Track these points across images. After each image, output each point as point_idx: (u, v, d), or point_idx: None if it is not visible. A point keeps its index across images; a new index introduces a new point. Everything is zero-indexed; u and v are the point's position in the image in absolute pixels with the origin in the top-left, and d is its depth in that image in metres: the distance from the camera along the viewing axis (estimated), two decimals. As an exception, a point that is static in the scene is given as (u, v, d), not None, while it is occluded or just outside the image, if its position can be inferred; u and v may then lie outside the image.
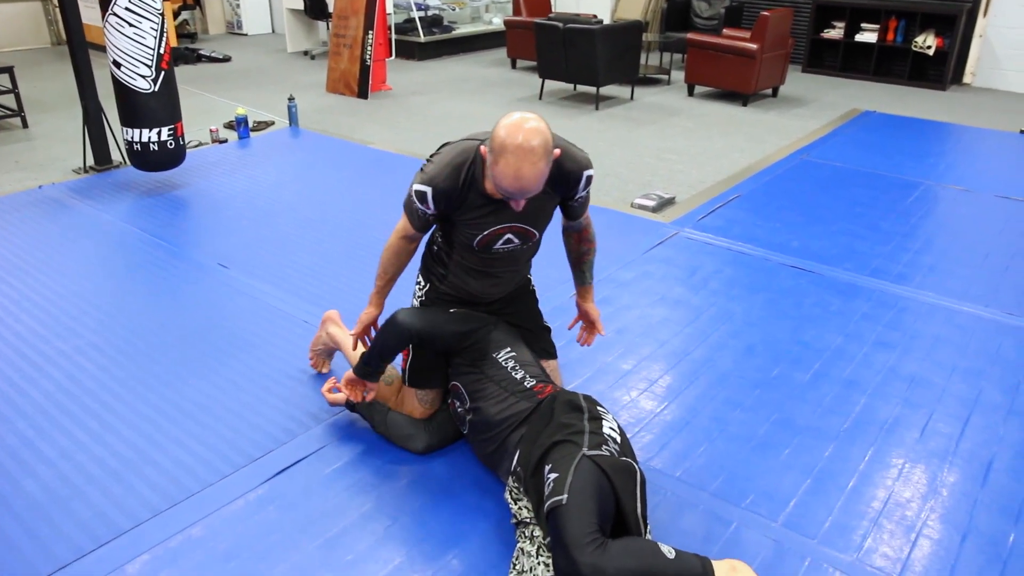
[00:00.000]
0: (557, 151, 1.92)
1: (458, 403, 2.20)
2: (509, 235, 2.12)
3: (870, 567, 1.93)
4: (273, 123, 5.83)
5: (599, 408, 1.94)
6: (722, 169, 5.09)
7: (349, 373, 2.28)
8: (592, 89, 7.05)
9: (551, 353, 2.39)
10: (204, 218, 4.05)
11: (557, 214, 2.22)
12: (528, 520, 1.86)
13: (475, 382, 2.11)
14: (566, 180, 2.07)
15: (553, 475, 1.73)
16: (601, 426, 1.86)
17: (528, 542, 1.82)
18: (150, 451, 2.30)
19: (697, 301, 3.26)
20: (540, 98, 6.99)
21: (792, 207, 4.32)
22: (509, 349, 2.14)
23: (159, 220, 4.00)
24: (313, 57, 8.51)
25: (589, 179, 2.11)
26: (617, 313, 3.14)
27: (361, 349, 2.44)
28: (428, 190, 2.02)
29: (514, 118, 1.85)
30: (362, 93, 6.74)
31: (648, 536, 1.81)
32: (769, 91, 7.25)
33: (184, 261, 3.54)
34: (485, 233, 2.09)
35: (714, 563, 1.76)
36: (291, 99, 5.69)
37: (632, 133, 5.95)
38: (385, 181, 4.64)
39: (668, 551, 1.68)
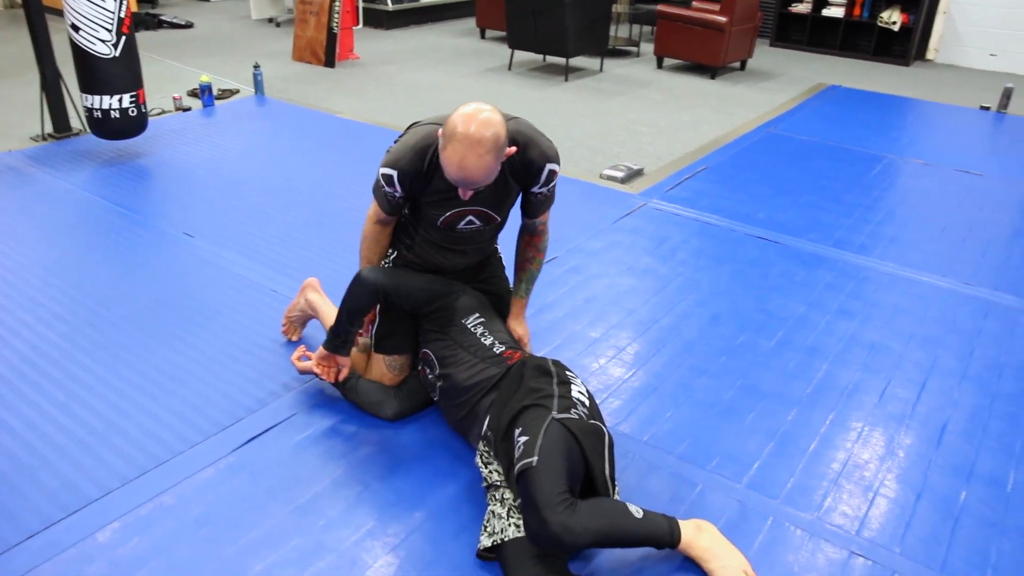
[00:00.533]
0: (512, 148, 1.95)
1: (428, 370, 2.21)
2: (471, 217, 2.15)
3: (829, 525, 2.00)
4: (238, 91, 5.73)
5: (567, 373, 1.97)
6: (690, 141, 5.13)
7: (321, 350, 2.27)
8: (561, 60, 7.02)
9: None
10: (168, 187, 3.99)
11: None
12: (498, 483, 1.89)
13: (444, 348, 2.13)
14: (527, 169, 2.08)
15: (523, 438, 1.75)
16: (570, 390, 1.89)
17: (499, 504, 1.85)
18: (118, 420, 2.28)
19: (664, 271, 3.30)
20: (509, 68, 6.95)
21: (759, 179, 4.37)
22: (478, 315, 2.16)
23: (122, 189, 3.93)
24: (278, 24, 8.34)
25: (552, 174, 2.11)
26: (586, 282, 3.17)
27: None
28: (394, 173, 2.03)
29: (470, 107, 1.86)
30: (329, 62, 6.64)
31: (616, 497, 1.85)
32: (737, 64, 7.29)
33: (148, 230, 3.48)
34: (448, 214, 2.11)
35: (681, 523, 1.81)
36: (256, 67, 5.59)
37: (601, 105, 5.95)
38: (353, 150, 4.60)
39: (636, 511, 1.73)
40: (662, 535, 1.76)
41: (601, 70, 7.05)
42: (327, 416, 2.33)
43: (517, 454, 1.75)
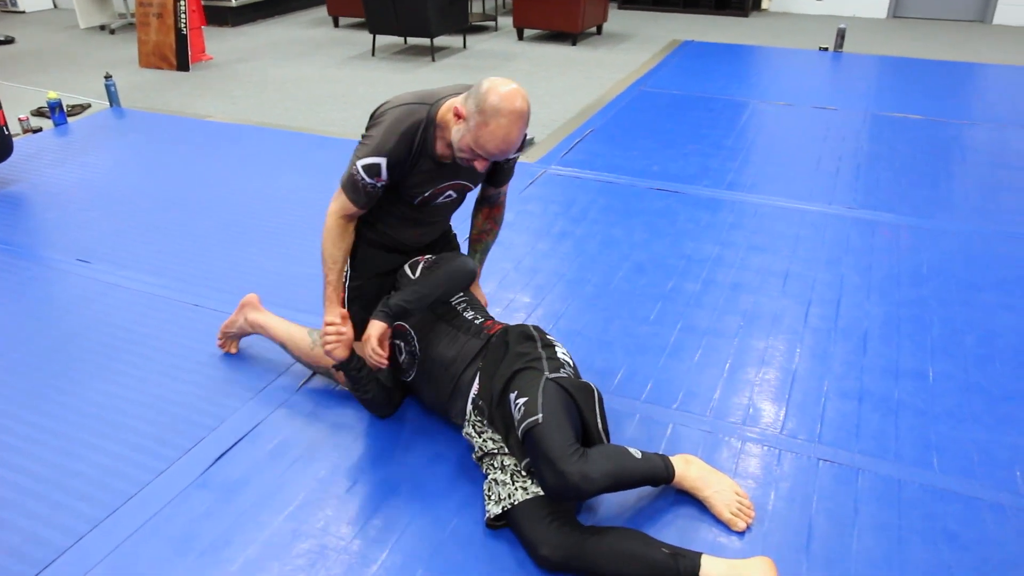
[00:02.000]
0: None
1: (403, 345, 2.19)
2: (450, 191, 2.15)
3: (791, 438, 2.17)
4: (90, 105, 5.34)
5: (548, 337, 2.02)
6: (569, 107, 5.26)
7: (378, 327, 2.02)
8: (424, 41, 6.98)
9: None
10: (47, 214, 3.68)
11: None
12: (495, 451, 1.92)
13: (426, 324, 2.13)
14: None
15: (522, 399, 1.79)
16: (555, 352, 1.95)
17: (499, 472, 1.88)
18: (69, 464, 2.13)
19: (580, 231, 3.41)
20: (373, 54, 6.84)
21: (643, 135, 4.56)
22: (462, 293, 2.18)
23: (-10, 223, 3.60)
24: (113, 31, 7.78)
25: (526, 139, 2.16)
26: (508, 252, 3.22)
27: (295, 328, 2.37)
28: (382, 161, 1.96)
29: (506, 83, 1.85)
30: (182, 65, 6.28)
31: (605, 441, 1.92)
32: (594, 29, 7.50)
33: (37, 263, 3.22)
34: (429, 191, 2.10)
35: (671, 458, 1.91)
36: (108, 77, 5.21)
37: (473, 81, 5.94)
38: (235, 153, 4.41)
39: (635, 452, 1.81)
40: (659, 472, 1.86)
41: (465, 47, 7.07)
42: (293, 419, 2.27)
43: (518, 415, 1.79)
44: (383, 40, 7.18)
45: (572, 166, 4.12)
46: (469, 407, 2.03)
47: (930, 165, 4.08)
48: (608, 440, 1.90)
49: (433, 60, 6.62)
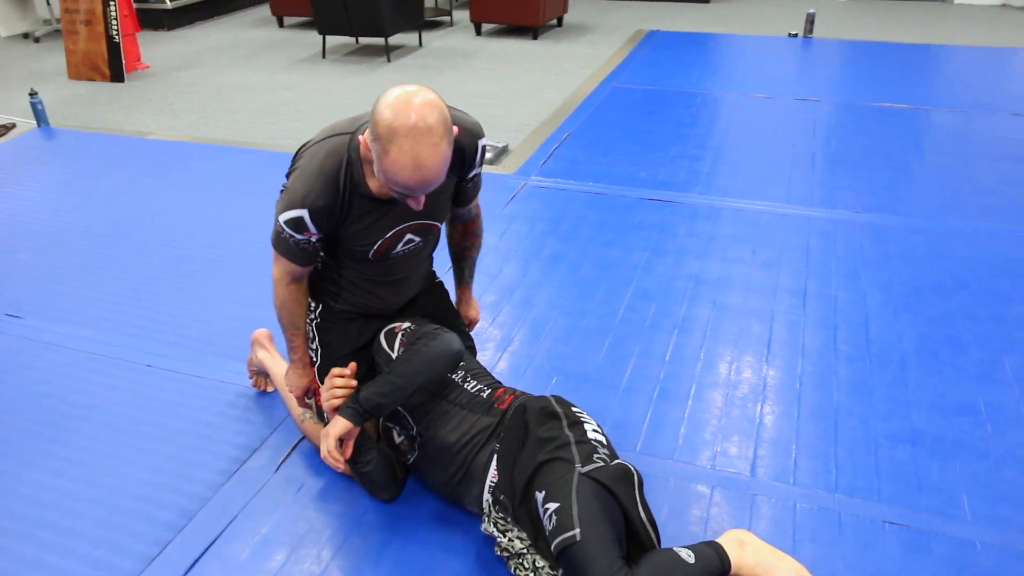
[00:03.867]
0: (456, 128, 1.58)
1: (397, 430, 1.88)
2: (409, 235, 1.80)
3: (850, 496, 1.92)
4: (14, 125, 4.84)
5: (575, 410, 1.72)
6: (540, 107, 4.96)
7: (341, 428, 1.72)
8: (379, 41, 6.60)
9: (472, 348, 2.12)
10: (-34, 259, 3.25)
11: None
12: (524, 550, 1.62)
13: (422, 403, 1.80)
14: (462, 157, 1.76)
15: (553, 505, 1.49)
16: (585, 432, 1.65)
17: (532, 573, 1.58)
18: (2, 586, 1.77)
19: (574, 253, 3.11)
20: (324, 56, 6.43)
21: (624, 137, 4.28)
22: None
23: (-98, 273, 3.15)
24: (38, 39, 7.21)
25: (484, 150, 1.83)
26: (497, 283, 2.91)
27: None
28: (303, 213, 1.62)
29: (397, 93, 1.47)
30: (116, 76, 5.80)
31: (654, 537, 1.64)
32: (555, 22, 7.20)
33: (-43, 320, 2.80)
34: (380, 241, 1.75)
35: (722, 543, 1.64)
36: (33, 94, 4.72)
37: (433, 82, 5.63)
38: (184, 175, 4.00)
39: (687, 555, 1.53)
40: (715, 570, 1.58)
41: (420, 45, 6.70)
42: (276, 507, 1.93)
43: (550, 526, 1.49)
44: (333, 40, 6.76)
45: (554, 176, 3.82)
46: (487, 497, 1.72)
47: (928, 160, 3.88)
48: (655, 530, 1.61)
49: (388, 60, 6.24)
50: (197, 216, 3.51)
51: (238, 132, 4.72)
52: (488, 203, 3.54)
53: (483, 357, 2.47)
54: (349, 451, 1.76)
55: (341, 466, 1.73)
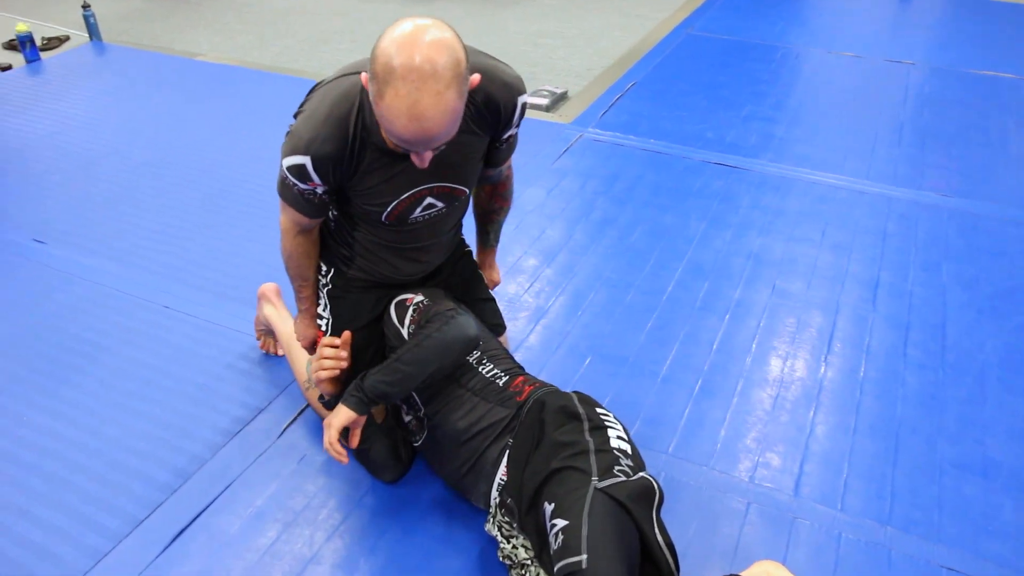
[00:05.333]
0: (476, 77, 1.35)
1: (405, 408, 1.73)
2: (429, 199, 1.58)
3: (905, 532, 1.70)
4: (68, 38, 4.75)
5: (599, 411, 1.52)
6: (606, 52, 4.63)
7: (345, 418, 1.57)
8: (444, -32, 6.26)
9: (500, 326, 1.94)
10: (4, 178, 3.18)
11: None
12: (528, 561, 1.47)
13: (431, 384, 1.64)
14: (496, 114, 1.52)
15: (561, 522, 1.32)
16: (607, 439, 1.45)
17: (534, 590, 1.43)
18: (-13, 536, 1.70)
19: (625, 218, 2.88)
20: (387, -18, 6.15)
21: (693, 91, 3.96)
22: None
23: (-62, 186, 3.11)
24: (102, -52, 7.07)
25: (524, 108, 1.59)
26: (539, 245, 2.70)
27: (302, 354, 1.93)
28: (305, 160, 1.43)
29: (405, 27, 1.25)
30: (174, -9, 5.64)
31: (672, 562, 1.46)
32: (633, -43, 6.73)
33: (-16, 241, 2.74)
34: (395, 202, 1.54)
35: (750, 574, 1.45)
36: (86, 6, 4.61)
37: (497, 17, 5.32)
38: (227, 103, 3.86)
39: (712, 587, 1.35)
40: (741, 605, 1.39)
41: (488, -25, 6.35)
42: (274, 478, 1.82)
43: (555, 545, 1.32)
44: (398, -35, 6.46)
45: (613, 129, 3.55)
46: (494, 495, 1.56)
47: (1032, 139, 3.48)
48: (673, 555, 1.43)
49: (453, -10, 5.93)
50: (237, 147, 3.37)
51: (289, 59, 4.53)
52: (538, 155, 3.31)
53: (513, 329, 2.29)
54: (356, 440, 1.62)
55: (344, 459, 1.58)
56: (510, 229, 2.77)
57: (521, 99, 1.56)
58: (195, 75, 4.21)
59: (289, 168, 1.46)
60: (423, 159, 1.35)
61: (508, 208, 1.90)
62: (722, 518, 1.72)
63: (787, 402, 2.04)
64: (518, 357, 2.16)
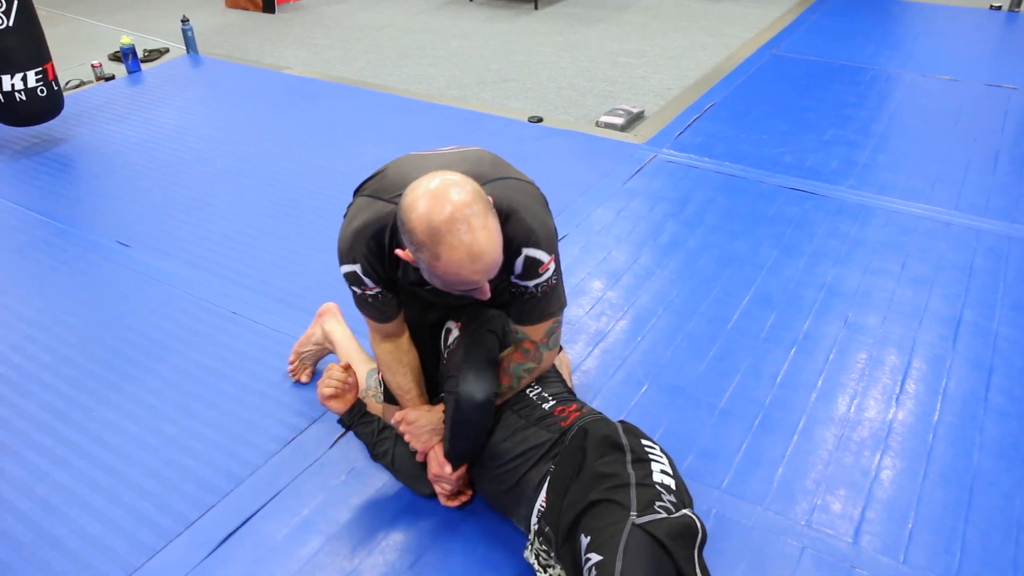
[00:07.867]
0: (489, 197, 1.37)
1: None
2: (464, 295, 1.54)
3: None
4: (167, 50, 5.00)
5: (644, 443, 1.48)
6: (687, 72, 4.56)
7: (434, 454, 1.69)
8: (528, -15, 6.32)
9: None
10: (96, 182, 3.36)
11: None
12: (562, 594, 1.43)
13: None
14: (505, 245, 1.43)
15: (595, 557, 1.28)
16: (650, 472, 1.41)
17: (569, 624, 1.39)
18: (50, 528, 1.77)
19: (694, 242, 2.81)
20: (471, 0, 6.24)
21: (774, 113, 3.85)
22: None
23: (38, 189, 3.30)
24: (205, -35, 7.44)
25: (532, 266, 1.48)
26: (604, 267, 2.67)
27: (359, 358, 1.98)
28: (356, 268, 1.53)
29: (416, 193, 1.31)
30: (268, 7, 5.87)
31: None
32: (720, -24, 6.63)
33: (75, 242, 2.89)
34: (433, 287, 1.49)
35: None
36: (185, 20, 4.84)
37: (579, 34, 5.32)
38: (308, 115, 3.97)
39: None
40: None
41: (572, -7, 6.36)
42: (321, 488, 1.84)
43: (589, 576, 1.28)
44: (483, -18, 6.55)
45: (687, 151, 3.48)
46: (534, 521, 1.53)
47: None
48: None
49: (536, 7, 5.97)
50: (313, 159, 3.46)
51: (371, 73, 4.64)
52: (609, 175, 3.28)
53: (571, 352, 2.26)
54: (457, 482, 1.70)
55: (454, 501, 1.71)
56: (575, 251, 2.75)
57: (527, 251, 1.47)
58: (281, 87, 4.35)
59: (346, 276, 1.56)
60: (485, 292, 1.40)
61: (527, 383, 1.68)
62: (773, 562, 1.64)
63: (852, 443, 1.94)
64: (573, 380, 2.13)
